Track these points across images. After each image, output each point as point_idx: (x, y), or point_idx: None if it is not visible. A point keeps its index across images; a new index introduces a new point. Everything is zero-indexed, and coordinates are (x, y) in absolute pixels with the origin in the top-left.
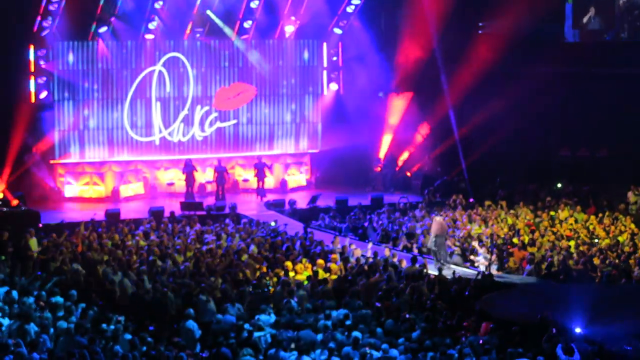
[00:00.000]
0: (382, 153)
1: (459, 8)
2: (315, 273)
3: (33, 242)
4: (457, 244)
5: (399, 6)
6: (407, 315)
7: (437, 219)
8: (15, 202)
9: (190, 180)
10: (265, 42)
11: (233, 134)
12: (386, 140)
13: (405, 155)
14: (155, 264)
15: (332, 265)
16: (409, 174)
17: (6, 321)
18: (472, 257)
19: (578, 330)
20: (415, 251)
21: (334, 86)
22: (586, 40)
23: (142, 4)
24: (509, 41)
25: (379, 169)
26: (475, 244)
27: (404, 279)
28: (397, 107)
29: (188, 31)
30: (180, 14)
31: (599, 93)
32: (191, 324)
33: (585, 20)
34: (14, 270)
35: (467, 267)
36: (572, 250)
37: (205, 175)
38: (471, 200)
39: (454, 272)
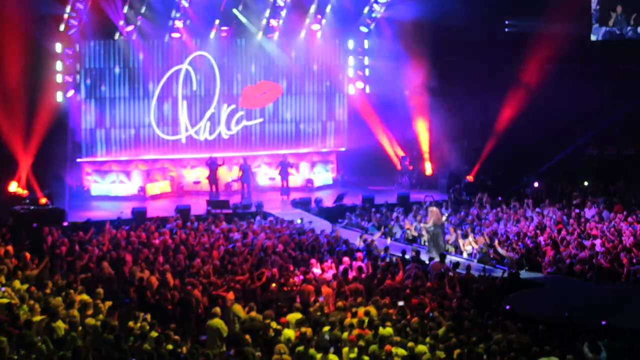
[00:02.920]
0: (405, 152)
1: (485, 6)
2: (344, 271)
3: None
4: (484, 241)
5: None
6: (431, 314)
7: (434, 209)
8: (43, 199)
9: (213, 177)
10: (292, 40)
11: (259, 132)
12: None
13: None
14: (182, 262)
15: (358, 264)
16: (429, 172)
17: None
18: (497, 253)
19: (604, 327)
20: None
21: (360, 84)
22: (613, 38)
23: (169, 2)
24: (535, 40)
25: (403, 167)
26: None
27: (430, 277)
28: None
29: (214, 30)
30: (206, 13)
31: (626, 91)
32: (217, 322)
33: (612, 18)
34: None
35: (494, 265)
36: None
37: (231, 174)
38: (499, 198)
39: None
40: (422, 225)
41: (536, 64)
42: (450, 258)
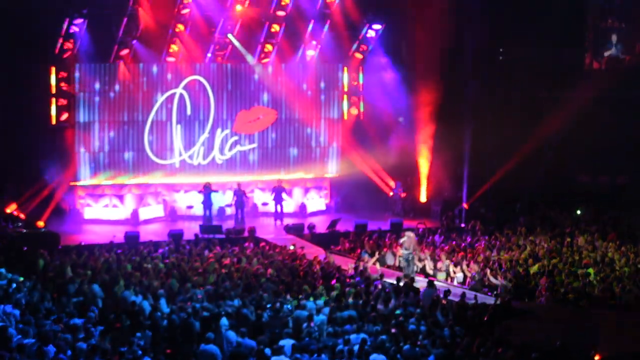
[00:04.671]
0: (398, 179)
1: (477, 35)
2: (337, 297)
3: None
4: (477, 269)
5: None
6: (426, 342)
7: (410, 234)
8: (41, 223)
9: (207, 203)
10: (286, 65)
11: (253, 157)
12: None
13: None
14: (174, 286)
15: (352, 290)
16: (424, 200)
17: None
18: (490, 282)
19: (597, 358)
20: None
21: (354, 111)
22: (607, 67)
23: (163, 27)
24: (528, 67)
25: (396, 194)
26: (488, 271)
27: (423, 304)
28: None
29: (209, 55)
30: (201, 38)
31: (619, 119)
32: (212, 348)
33: (606, 47)
34: (34, 292)
35: (486, 293)
36: (592, 277)
37: (224, 199)
38: (491, 227)
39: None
40: (399, 252)
41: (532, 90)
42: (441, 285)
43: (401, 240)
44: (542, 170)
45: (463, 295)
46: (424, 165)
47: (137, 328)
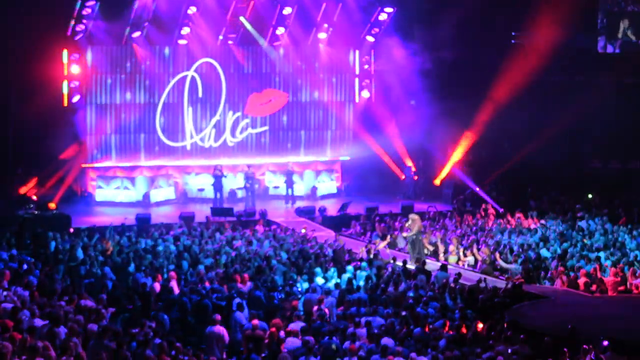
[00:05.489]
0: (410, 161)
1: (491, 19)
2: (348, 280)
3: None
4: (488, 253)
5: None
6: (437, 324)
7: (414, 216)
8: (52, 205)
9: (218, 185)
10: (298, 48)
11: (264, 140)
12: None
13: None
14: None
15: (364, 273)
16: (438, 182)
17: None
18: (501, 266)
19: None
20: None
21: (365, 94)
22: (619, 52)
23: (176, 9)
24: (541, 52)
25: (407, 177)
26: (498, 255)
27: (434, 287)
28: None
29: (221, 37)
30: (213, 20)
31: (631, 104)
32: (218, 329)
33: (619, 32)
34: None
35: (497, 277)
36: (603, 261)
37: (236, 181)
38: (501, 210)
39: (485, 280)
40: (403, 234)
41: (542, 75)
42: (452, 269)
43: (406, 224)
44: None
45: (479, 280)
46: (436, 148)
47: (149, 310)
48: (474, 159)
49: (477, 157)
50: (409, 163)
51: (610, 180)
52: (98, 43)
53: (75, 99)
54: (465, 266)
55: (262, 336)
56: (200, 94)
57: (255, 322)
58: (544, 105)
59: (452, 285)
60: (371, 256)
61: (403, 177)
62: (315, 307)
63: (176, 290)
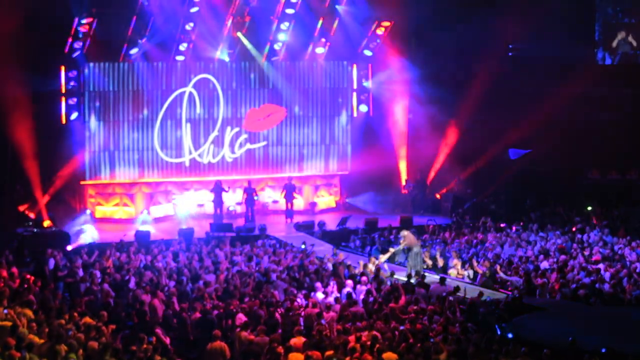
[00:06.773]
0: (409, 175)
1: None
2: (348, 295)
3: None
4: (488, 265)
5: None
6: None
7: (405, 232)
8: (47, 222)
9: (218, 201)
10: (296, 63)
11: (263, 155)
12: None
13: (434, 177)
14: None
15: (364, 287)
16: (438, 196)
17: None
18: (501, 278)
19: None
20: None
21: (363, 108)
22: (616, 62)
23: (173, 25)
24: (539, 63)
25: (406, 190)
26: (498, 268)
27: (433, 300)
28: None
29: (218, 53)
30: (210, 36)
31: (630, 114)
32: (219, 345)
33: (615, 43)
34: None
35: (496, 290)
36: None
37: (235, 197)
38: (503, 225)
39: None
40: (396, 248)
41: (543, 88)
42: (451, 282)
43: (400, 241)
44: (551, 167)
45: (480, 294)
46: (435, 161)
47: (149, 327)
48: (471, 172)
49: (474, 170)
50: (407, 178)
51: (609, 191)
52: (96, 60)
53: (74, 116)
54: (465, 279)
55: (262, 352)
56: (198, 110)
57: (256, 337)
58: (541, 116)
59: (451, 298)
60: (374, 269)
61: (403, 188)
62: (315, 322)
63: (176, 307)
